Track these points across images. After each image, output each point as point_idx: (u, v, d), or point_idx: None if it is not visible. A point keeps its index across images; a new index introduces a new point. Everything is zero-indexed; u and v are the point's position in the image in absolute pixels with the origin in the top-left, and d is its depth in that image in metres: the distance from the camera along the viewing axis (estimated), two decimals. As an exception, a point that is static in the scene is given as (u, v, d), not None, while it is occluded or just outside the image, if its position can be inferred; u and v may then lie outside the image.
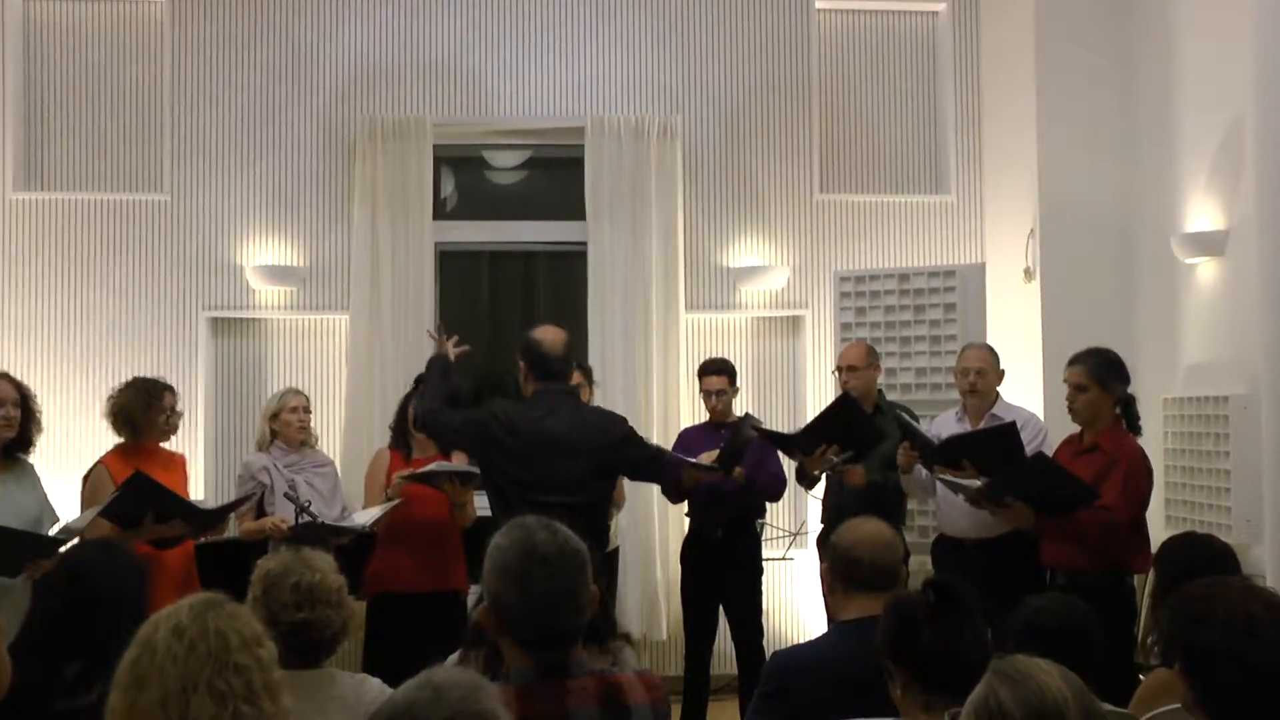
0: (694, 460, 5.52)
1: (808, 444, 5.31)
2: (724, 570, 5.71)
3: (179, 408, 5.17)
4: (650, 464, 4.84)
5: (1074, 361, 4.78)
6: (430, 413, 4.74)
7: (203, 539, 5.13)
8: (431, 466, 5.28)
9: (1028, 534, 4.75)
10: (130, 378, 5.21)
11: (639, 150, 6.86)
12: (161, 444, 5.14)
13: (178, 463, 5.24)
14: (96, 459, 5.12)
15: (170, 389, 5.13)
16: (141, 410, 4.98)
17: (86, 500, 4.92)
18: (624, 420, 4.76)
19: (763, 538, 6.01)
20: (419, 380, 5.71)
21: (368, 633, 5.42)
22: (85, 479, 5.02)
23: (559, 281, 7.42)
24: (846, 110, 7.26)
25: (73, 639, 2.93)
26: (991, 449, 4.74)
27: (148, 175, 6.90)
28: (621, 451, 4.64)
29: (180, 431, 5.34)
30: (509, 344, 7.52)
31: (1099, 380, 4.70)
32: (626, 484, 5.90)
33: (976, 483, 4.66)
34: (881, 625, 2.60)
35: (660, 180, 6.87)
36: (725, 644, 6.04)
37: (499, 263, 7.47)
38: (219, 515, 5.03)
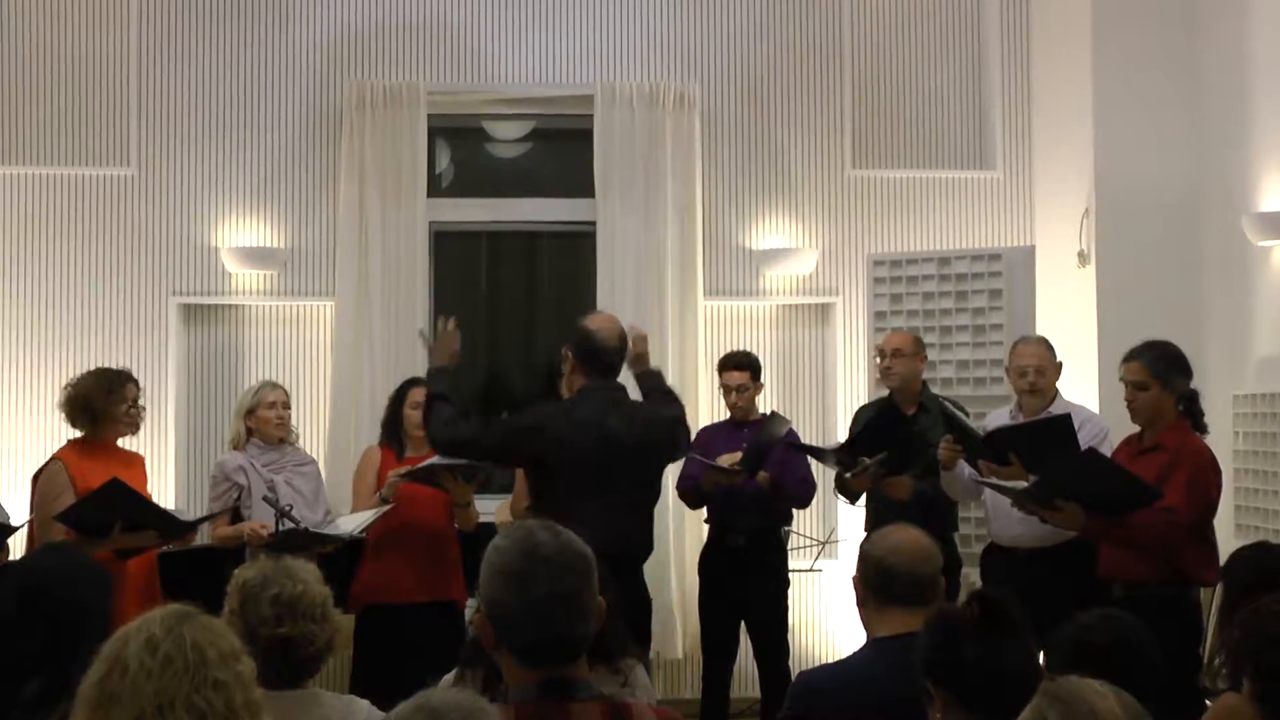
0: (713, 463, 5.54)
1: (847, 457, 5.35)
2: (746, 582, 5.72)
3: (141, 401, 5.21)
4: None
5: (1131, 357, 4.76)
6: (452, 426, 4.63)
7: (168, 547, 5.16)
8: (432, 461, 5.28)
9: (1088, 544, 4.73)
10: (91, 368, 5.24)
11: (653, 120, 6.85)
12: (120, 442, 5.18)
13: (137, 462, 5.27)
14: (51, 454, 5.15)
15: (133, 379, 5.18)
16: (103, 399, 5.02)
17: (39, 498, 4.94)
18: (677, 402, 4.97)
19: (789, 547, 6.02)
20: (410, 381, 5.72)
21: (356, 649, 5.44)
22: (36, 476, 5.05)
23: (565, 265, 7.43)
24: (882, 77, 7.24)
25: (31, 655, 2.93)
26: (1043, 443, 4.72)
27: (111, 147, 6.89)
28: (678, 437, 4.86)
29: (149, 428, 5.38)
30: (509, 333, 7.57)
31: (1160, 377, 4.67)
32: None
33: (1022, 484, 4.65)
34: (920, 641, 2.59)
35: (676, 153, 6.86)
36: (747, 663, 6.04)
37: (499, 244, 7.47)
38: (194, 526, 5.07)
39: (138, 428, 5.22)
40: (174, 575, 5.17)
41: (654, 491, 4.88)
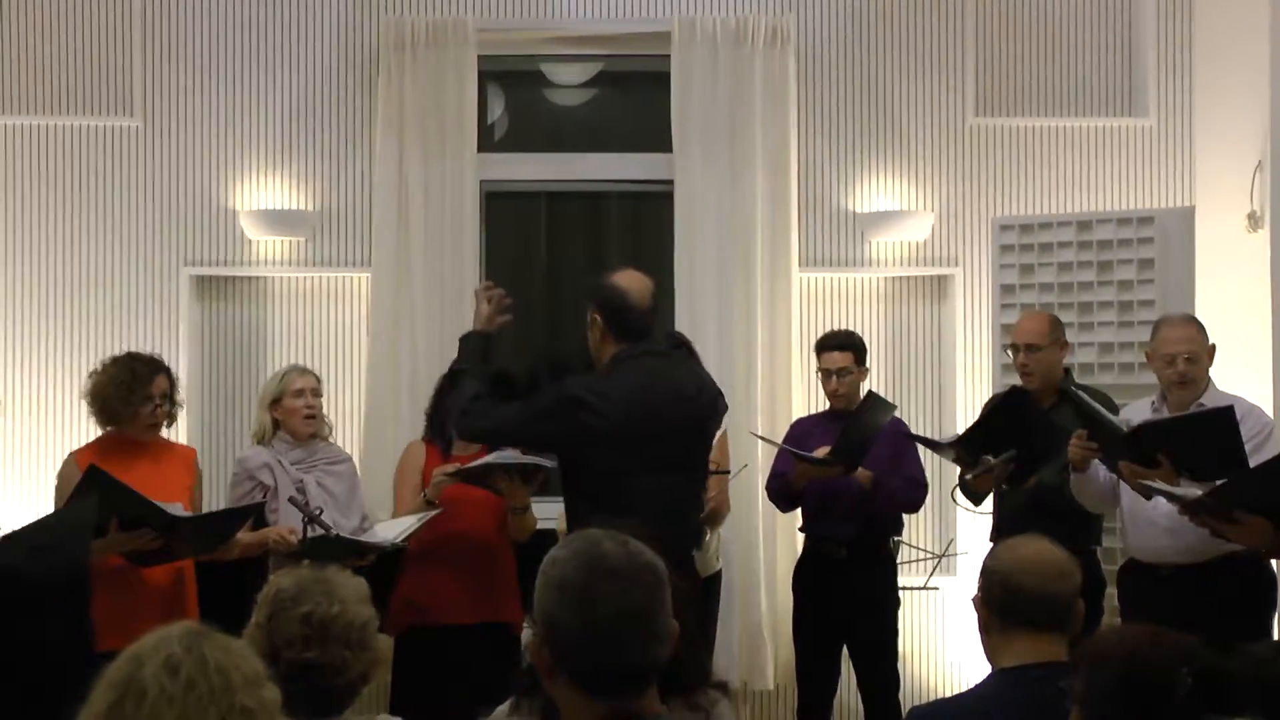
0: (803, 452, 5.53)
1: (966, 453, 5.32)
2: (848, 601, 5.73)
3: (178, 394, 5.27)
4: None
5: None
6: (474, 413, 4.65)
7: (205, 558, 5.20)
8: (489, 458, 5.30)
9: (1246, 560, 4.67)
10: (122, 352, 5.31)
11: (740, 61, 6.84)
12: (154, 437, 5.26)
13: (180, 457, 5.35)
14: (69, 452, 5.27)
15: (165, 370, 5.22)
16: (121, 399, 5.07)
17: (55, 501, 5.06)
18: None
19: (899, 560, 6.01)
20: (453, 371, 5.73)
21: (395, 675, 5.50)
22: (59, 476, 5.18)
23: (637, 230, 7.43)
24: (1011, 6, 7.18)
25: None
26: (1201, 441, 4.67)
27: (114, 94, 6.97)
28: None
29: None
30: (571, 309, 7.56)
31: None
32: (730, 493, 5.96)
33: (1195, 491, 4.59)
34: (1092, 688, 2.57)
35: (767, 100, 6.85)
36: (849, 696, 6.04)
37: (560, 206, 7.49)
38: (207, 528, 5.07)
39: (160, 425, 5.25)
40: (215, 586, 5.20)
41: (705, 470, 4.94)
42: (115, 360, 5.19)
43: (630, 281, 4.66)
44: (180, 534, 4.91)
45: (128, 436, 5.15)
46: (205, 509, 5.40)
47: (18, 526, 4.70)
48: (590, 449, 4.54)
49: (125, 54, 6.96)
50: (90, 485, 4.60)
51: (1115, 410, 5.27)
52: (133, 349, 5.47)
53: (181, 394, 5.34)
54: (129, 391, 5.08)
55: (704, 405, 4.71)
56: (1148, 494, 4.75)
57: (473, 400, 4.63)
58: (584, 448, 4.56)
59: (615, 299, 4.62)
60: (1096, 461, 5.01)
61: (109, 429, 5.19)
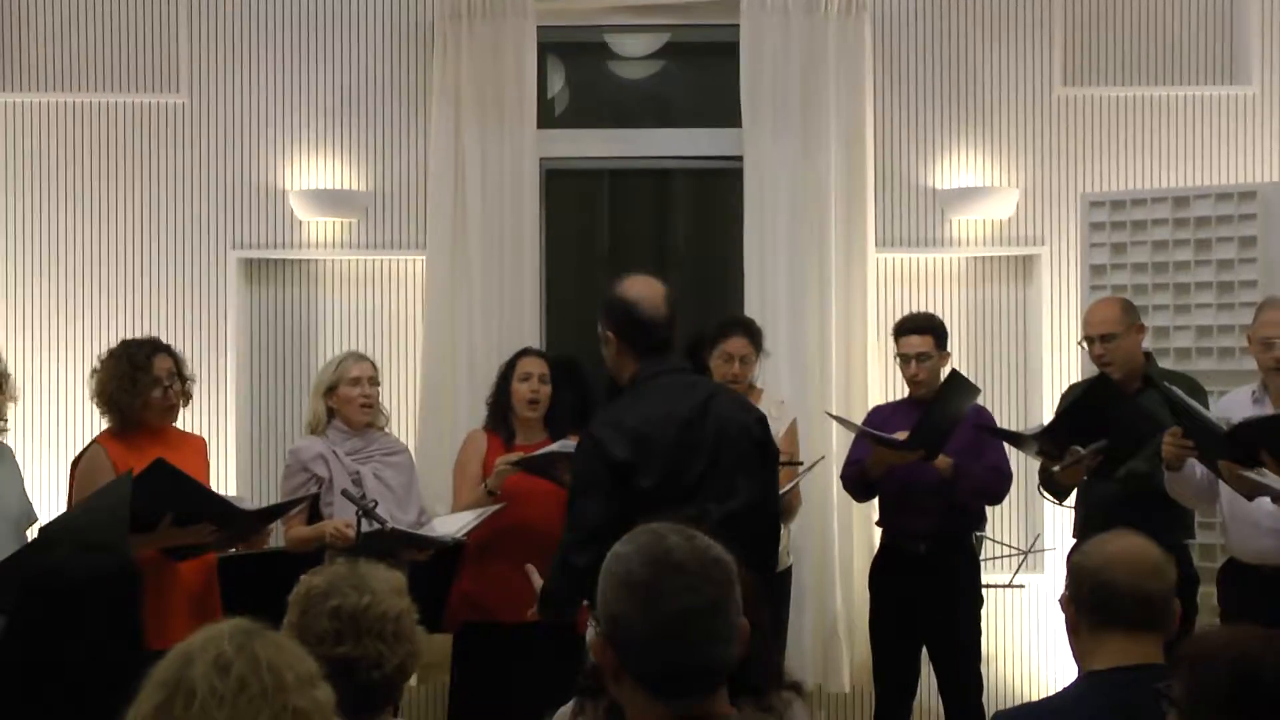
0: (881, 433, 5.52)
1: (1052, 445, 5.28)
2: (928, 600, 5.71)
3: (186, 370, 5.26)
4: None
5: None
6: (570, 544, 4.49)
7: (234, 550, 5.26)
8: (553, 446, 5.31)
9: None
10: (117, 342, 5.31)
11: (813, 30, 6.82)
12: (172, 423, 5.29)
13: (194, 448, 5.37)
14: (91, 438, 5.28)
15: (162, 348, 5.22)
16: (126, 391, 5.07)
17: (78, 488, 5.07)
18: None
19: (982, 556, 5.98)
20: (521, 352, 5.76)
21: (455, 674, 5.53)
22: (75, 463, 5.19)
23: (704, 209, 7.43)
24: (1101, -31, 7.13)
25: (41, 672, 3.00)
26: None
27: (158, 70, 7.02)
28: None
29: (204, 409, 5.46)
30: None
31: None
32: (802, 486, 5.93)
33: None
34: (1195, 692, 2.56)
35: (842, 71, 6.83)
36: (930, 699, 6.02)
37: (624, 184, 7.51)
38: (262, 520, 5.14)
39: (177, 407, 5.25)
40: (238, 583, 5.26)
41: (751, 493, 4.52)
42: (110, 354, 5.18)
43: (642, 290, 4.44)
44: (234, 527, 4.97)
45: (140, 426, 5.13)
46: (239, 500, 5.44)
47: (55, 516, 4.81)
48: (630, 479, 4.43)
49: (170, 28, 7.00)
50: (156, 479, 4.65)
51: (1203, 395, 5.23)
52: (179, 335, 5.52)
53: (190, 370, 5.32)
54: (131, 382, 5.07)
55: (728, 429, 4.37)
56: (1250, 495, 4.71)
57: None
58: (626, 479, 4.38)
59: (627, 312, 4.40)
60: (1191, 459, 4.97)
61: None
